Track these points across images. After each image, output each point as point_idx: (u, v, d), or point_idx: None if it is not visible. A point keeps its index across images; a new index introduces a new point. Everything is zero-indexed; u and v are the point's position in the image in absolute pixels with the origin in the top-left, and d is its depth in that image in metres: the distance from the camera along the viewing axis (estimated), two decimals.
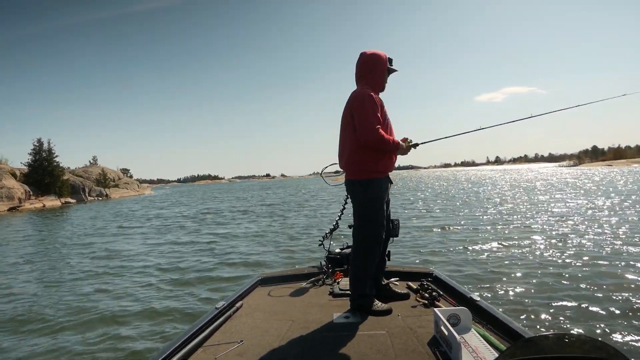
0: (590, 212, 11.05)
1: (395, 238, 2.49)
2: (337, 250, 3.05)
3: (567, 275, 4.92)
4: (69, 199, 39.64)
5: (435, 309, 1.83)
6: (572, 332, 3.23)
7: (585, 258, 5.76)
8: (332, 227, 3.08)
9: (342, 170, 2.42)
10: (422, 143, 2.45)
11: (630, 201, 13.29)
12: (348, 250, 2.98)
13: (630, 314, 3.65)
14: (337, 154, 2.43)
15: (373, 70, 2.31)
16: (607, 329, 3.34)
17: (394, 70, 2.38)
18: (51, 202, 37.05)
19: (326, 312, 2.27)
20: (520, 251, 6.47)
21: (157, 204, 30.37)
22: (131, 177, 69.91)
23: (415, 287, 2.50)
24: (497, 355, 1.53)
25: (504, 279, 4.97)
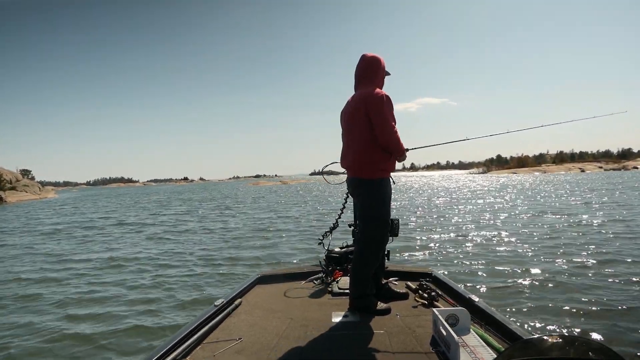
0: (577, 213, 11.56)
1: (394, 237, 2.52)
2: (337, 249, 3.03)
3: (565, 277, 4.97)
4: None
5: (434, 309, 1.85)
6: (570, 334, 3.25)
7: (584, 259, 5.80)
8: (332, 225, 3.06)
9: (344, 169, 2.43)
10: (412, 149, 2.55)
11: (600, 203, 14.41)
12: (347, 249, 2.99)
13: (629, 316, 3.68)
14: (342, 151, 2.42)
15: (377, 72, 2.35)
16: (605, 332, 3.37)
17: (388, 74, 2.44)
18: None
19: (325, 311, 2.27)
20: (518, 252, 6.52)
21: (49, 210, 25.05)
22: (32, 179, 62.89)
23: (414, 287, 2.54)
24: (495, 356, 1.57)
25: (503, 280, 4.99)
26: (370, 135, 2.22)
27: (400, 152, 2.30)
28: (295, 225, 11.67)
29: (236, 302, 2.41)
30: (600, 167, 71.98)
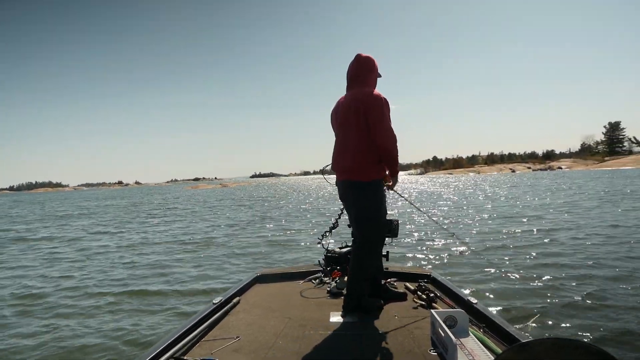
0: (574, 214, 11.33)
1: (393, 239, 2.54)
2: (336, 249, 3.03)
3: (563, 279, 4.93)
4: None
5: (432, 311, 1.86)
6: (567, 337, 3.24)
7: (583, 260, 5.77)
8: (331, 225, 3.05)
9: (336, 170, 2.37)
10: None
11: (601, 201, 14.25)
12: (346, 249, 2.99)
13: (628, 319, 3.65)
14: (336, 153, 2.35)
15: (371, 72, 2.32)
16: (604, 335, 3.34)
17: (379, 76, 2.40)
18: None
19: (323, 310, 2.29)
20: (517, 254, 6.43)
21: None
22: None
23: (413, 288, 2.55)
24: (493, 358, 1.59)
25: (502, 282, 4.94)
26: (368, 137, 2.20)
27: (396, 157, 2.27)
28: (230, 237, 9.79)
29: (234, 300, 2.41)
30: (529, 168, 76.18)
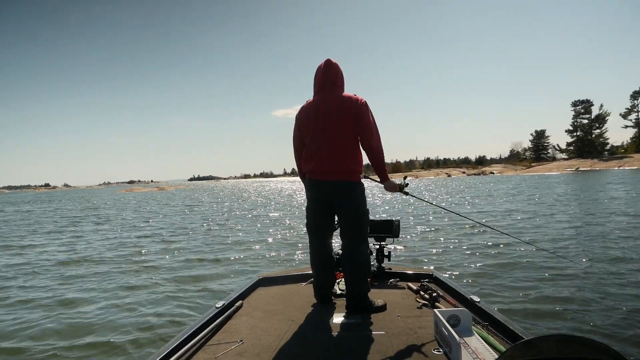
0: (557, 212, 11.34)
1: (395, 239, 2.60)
2: (338, 251, 2.92)
3: (568, 277, 4.91)
4: None
5: (435, 310, 1.88)
6: (572, 334, 3.21)
7: (585, 259, 5.75)
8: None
9: (320, 172, 2.38)
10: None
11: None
12: None
13: (632, 315, 3.63)
14: (322, 155, 2.33)
15: (342, 78, 2.40)
16: (608, 331, 3.33)
17: None
18: None
19: (326, 312, 2.29)
20: (521, 253, 6.38)
21: None
22: None
23: (415, 288, 2.57)
24: (497, 356, 1.61)
25: (505, 280, 4.92)
26: (355, 140, 2.32)
27: (383, 159, 2.44)
28: (166, 251, 8.24)
29: (237, 304, 2.38)
30: (464, 172, 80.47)
